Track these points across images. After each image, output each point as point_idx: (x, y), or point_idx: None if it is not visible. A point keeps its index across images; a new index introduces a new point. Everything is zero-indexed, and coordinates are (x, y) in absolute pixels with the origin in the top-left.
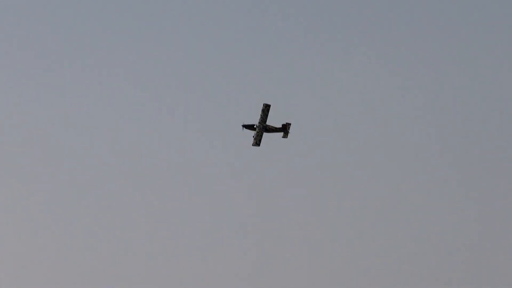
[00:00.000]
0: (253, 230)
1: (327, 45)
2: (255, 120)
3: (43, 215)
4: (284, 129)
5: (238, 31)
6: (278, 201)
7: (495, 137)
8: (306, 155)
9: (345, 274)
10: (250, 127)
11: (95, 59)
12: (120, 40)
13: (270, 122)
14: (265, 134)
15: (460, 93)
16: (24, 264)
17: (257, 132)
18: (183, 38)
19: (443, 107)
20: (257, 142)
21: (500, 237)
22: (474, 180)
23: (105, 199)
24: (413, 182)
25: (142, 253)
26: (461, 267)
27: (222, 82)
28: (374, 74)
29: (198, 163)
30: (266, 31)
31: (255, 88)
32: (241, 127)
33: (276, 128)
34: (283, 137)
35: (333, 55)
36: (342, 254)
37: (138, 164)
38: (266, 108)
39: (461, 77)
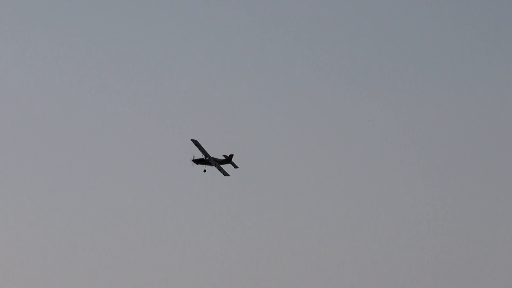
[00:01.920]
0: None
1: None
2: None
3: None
4: (230, 159)
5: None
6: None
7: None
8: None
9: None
10: (201, 161)
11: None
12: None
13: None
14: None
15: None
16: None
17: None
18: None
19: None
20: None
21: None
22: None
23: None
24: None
25: (142, 253)
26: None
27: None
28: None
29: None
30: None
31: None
32: (192, 162)
33: (223, 160)
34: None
35: None
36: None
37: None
38: (197, 143)
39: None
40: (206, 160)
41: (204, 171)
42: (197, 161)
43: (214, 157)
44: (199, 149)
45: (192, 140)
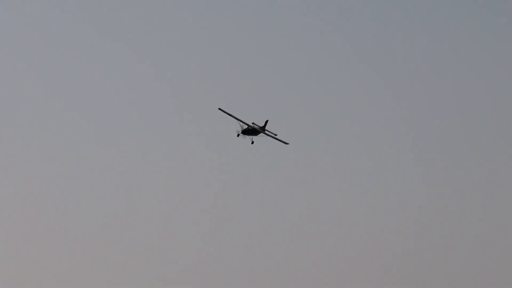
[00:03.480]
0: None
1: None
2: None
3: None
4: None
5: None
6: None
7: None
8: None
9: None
10: (249, 131)
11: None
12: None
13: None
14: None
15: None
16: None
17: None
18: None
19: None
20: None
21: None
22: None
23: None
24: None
25: (142, 253)
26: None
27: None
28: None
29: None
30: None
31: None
32: (241, 133)
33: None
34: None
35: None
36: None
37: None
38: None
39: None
40: (255, 129)
41: (252, 142)
42: (246, 132)
43: (254, 123)
44: (232, 117)
45: (219, 109)
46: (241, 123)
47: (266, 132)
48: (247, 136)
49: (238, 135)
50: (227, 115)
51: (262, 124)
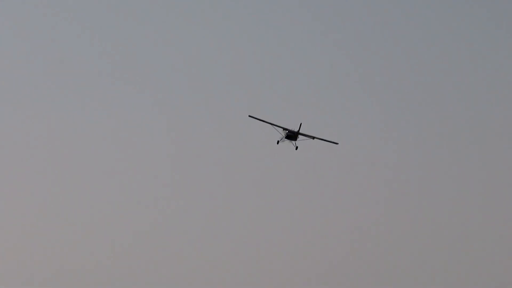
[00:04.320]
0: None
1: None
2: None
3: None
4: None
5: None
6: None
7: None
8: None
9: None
10: (292, 136)
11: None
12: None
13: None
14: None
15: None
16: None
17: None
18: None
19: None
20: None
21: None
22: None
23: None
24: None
25: (143, 253)
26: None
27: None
28: None
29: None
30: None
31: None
32: (284, 139)
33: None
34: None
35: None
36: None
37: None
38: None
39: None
40: (296, 133)
41: (296, 148)
42: (290, 137)
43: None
44: (266, 123)
45: (250, 116)
46: (278, 128)
47: (301, 134)
48: (290, 141)
49: (278, 142)
50: (259, 121)
51: (294, 129)
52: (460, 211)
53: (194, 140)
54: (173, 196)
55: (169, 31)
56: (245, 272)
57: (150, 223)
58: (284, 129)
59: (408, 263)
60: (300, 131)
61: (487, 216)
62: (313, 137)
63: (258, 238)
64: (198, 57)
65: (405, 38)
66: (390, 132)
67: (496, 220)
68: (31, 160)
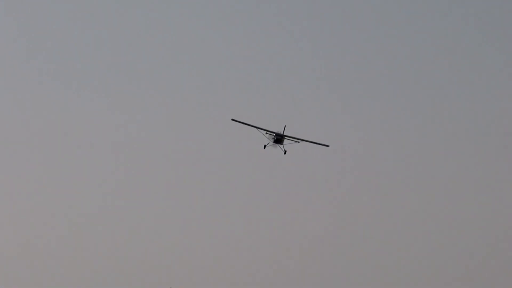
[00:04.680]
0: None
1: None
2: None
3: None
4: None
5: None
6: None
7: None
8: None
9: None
10: (279, 140)
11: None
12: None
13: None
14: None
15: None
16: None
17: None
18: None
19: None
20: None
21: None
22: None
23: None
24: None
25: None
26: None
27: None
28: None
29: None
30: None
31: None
32: (271, 143)
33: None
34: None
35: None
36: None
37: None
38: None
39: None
40: (282, 137)
41: (285, 152)
42: (277, 140)
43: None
44: (250, 126)
45: (232, 119)
46: (263, 131)
47: (288, 138)
48: (277, 146)
49: (265, 147)
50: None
51: (275, 131)
52: (455, 214)
53: (184, 142)
54: (156, 201)
55: (150, 34)
56: (235, 275)
57: (137, 224)
58: (268, 131)
59: (400, 266)
60: (285, 134)
61: (487, 216)
62: (300, 140)
63: (247, 242)
64: (182, 59)
65: (395, 37)
66: (383, 133)
67: (496, 220)
68: (31, 160)
